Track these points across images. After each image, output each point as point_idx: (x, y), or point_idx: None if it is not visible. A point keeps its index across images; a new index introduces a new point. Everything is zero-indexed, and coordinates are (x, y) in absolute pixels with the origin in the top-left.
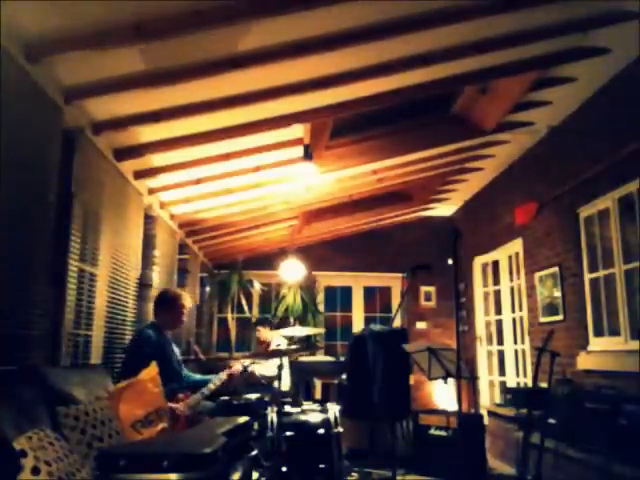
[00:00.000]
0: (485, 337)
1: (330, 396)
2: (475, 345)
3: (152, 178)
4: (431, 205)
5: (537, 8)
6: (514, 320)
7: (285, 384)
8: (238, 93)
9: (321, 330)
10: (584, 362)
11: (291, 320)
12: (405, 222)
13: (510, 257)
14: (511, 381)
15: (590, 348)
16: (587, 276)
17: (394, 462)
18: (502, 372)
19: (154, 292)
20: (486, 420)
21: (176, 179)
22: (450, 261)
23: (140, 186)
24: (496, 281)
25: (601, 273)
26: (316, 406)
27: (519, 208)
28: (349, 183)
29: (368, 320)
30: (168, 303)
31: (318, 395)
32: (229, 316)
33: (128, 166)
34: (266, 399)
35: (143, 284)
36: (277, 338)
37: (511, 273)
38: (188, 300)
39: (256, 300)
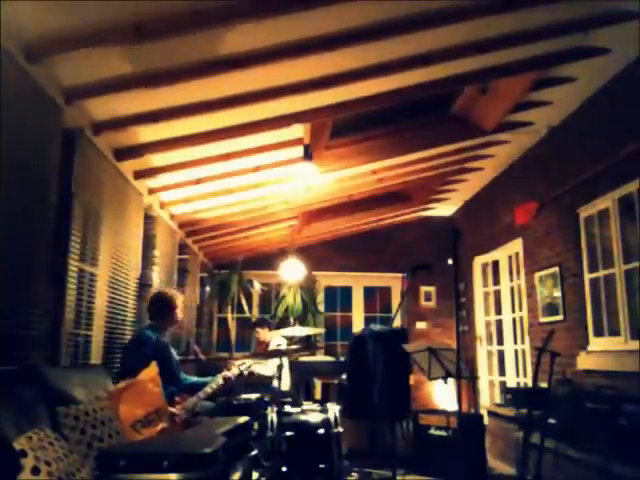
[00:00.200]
0: (485, 337)
1: (330, 396)
2: (475, 345)
3: (152, 178)
4: (431, 205)
5: (537, 8)
6: (514, 320)
7: (285, 384)
8: (238, 93)
9: (321, 330)
10: (584, 362)
11: (291, 320)
12: (405, 222)
13: (510, 257)
14: (511, 381)
15: (590, 348)
16: (587, 276)
17: (394, 462)
18: (502, 372)
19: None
20: (486, 420)
21: (176, 179)
22: (450, 261)
23: (140, 186)
24: (496, 281)
25: (601, 273)
26: (316, 406)
27: (519, 208)
28: (349, 183)
29: (368, 320)
30: (161, 304)
31: (318, 395)
32: (229, 316)
33: (128, 166)
34: (266, 399)
35: (143, 284)
36: (277, 338)
37: (511, 273)
38: (179, 297)
39: (256, 300)
